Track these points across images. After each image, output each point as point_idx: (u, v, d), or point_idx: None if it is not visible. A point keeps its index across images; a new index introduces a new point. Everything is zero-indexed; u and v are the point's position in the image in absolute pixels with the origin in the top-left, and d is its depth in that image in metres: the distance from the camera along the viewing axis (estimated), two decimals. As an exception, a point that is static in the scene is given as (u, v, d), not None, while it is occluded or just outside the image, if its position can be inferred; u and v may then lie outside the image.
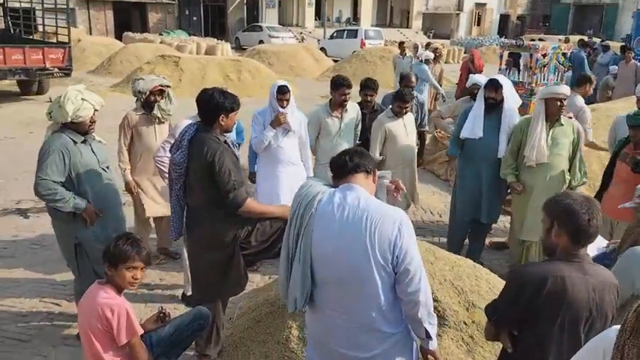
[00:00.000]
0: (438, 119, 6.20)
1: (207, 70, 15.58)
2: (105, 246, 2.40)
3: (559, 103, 4.54)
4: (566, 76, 12.03)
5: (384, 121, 5.12)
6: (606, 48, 14.01)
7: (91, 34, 28.70)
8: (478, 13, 46.27)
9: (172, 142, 4.14)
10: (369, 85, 5.36)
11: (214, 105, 3.24)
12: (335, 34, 26.57)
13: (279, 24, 33.69)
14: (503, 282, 3.80)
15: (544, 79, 11.34)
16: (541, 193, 4.66)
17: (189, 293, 4.47)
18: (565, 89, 4.61)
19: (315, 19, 38.08)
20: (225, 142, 3.31)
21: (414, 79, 5.78)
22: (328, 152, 4.99)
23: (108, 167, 3.78)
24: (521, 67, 11.43)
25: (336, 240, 2.22)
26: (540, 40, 18.43)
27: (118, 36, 27.52)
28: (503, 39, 35.86)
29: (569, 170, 4.72)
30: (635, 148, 4.23)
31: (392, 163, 5.10)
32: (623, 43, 17.56)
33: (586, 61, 12.31)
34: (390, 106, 5.22)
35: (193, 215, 3.38)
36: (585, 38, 17.57)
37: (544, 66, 11.32)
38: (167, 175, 4.17)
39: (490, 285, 3.66)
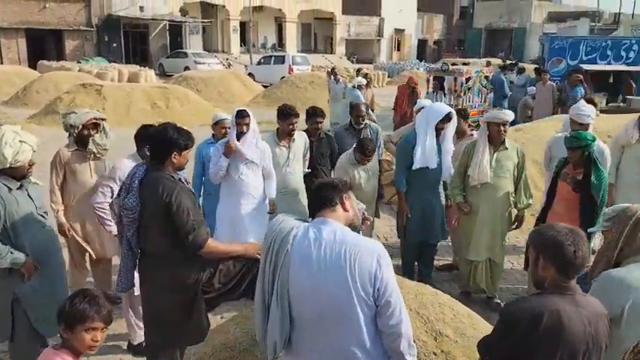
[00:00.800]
0: (388, 144, 6.24)
1: (133, 98, 15.02)
2: (59, 305, 2.13)
3: (499, 127, 4.67)
4: (489, 97, 12.62)
5: (347, 168, 5.02)
6: (522, 70, 14.84)
7: (2, 63, 27.10)
8: (397, 39, 48.05)
9: (112, 185, 3.87)
10: (316, 113, 5.31)
11: (168, 141, 3.04)
12: (262, 60, 26.62)
13: (204, 50, 33.32)
14: (465, 307, 3.84)
15: (469, 102, 11.84)
16: (486, 214, 4.80)
17: (136, 342, 4.15)
18: (507, 115, 4.74)
19: (241, 45, 38.03)
20: (180, 180, 3.12)
21: (363, 108, 5.77)
22: (277, 182, 4.91)
23: (46, 212, 3.45)
24: (446, 91, 11.85)
25: (314, 276, 2.16)
26: (464, 64, 19.29)
27: (32, 65, 26.11)
28: (423, 63, 37.46)
29: (515, 193, 4.84)
30: (574, 169, 4.40)
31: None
32: (536, 65, 18.74)
33: (506, 83, 12.94)
34: (353, 153, 5.06)
35: (150, 261, 3.14)
36: (501, 61, 18.56)
37: (468, 89, 11.83)
38: (109, 223, 3.88)
39: (454, 312, 3.63)
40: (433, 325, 3.47)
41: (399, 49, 48.34)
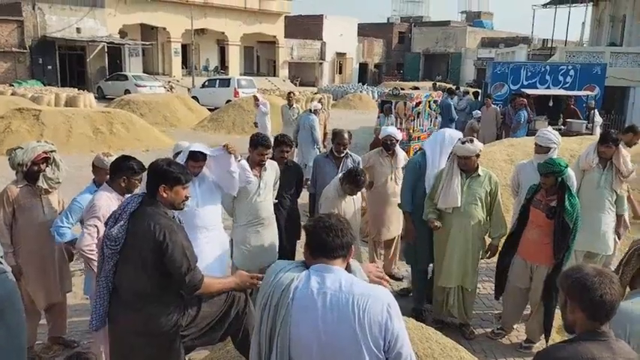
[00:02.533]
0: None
1: (74, 123, 14.31)
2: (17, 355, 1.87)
3: (468, 160, 4.66)
4: (437, 121, 12.90)
5: (334, 200, 4.81)
6: (465, 94, 15.34)
7: None
8: (339, 62, 48.84)
9: (97, 224, 3.60)
10: (284, 142, 5.17)
11: (155, 174, 2.86)
12: (207, 83, 26.24)
13: (144, 73, 32.53)
14: (449, 339, 3.77)
15: (420, 126, 12.05)
16: (457, 241, 4.76)
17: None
18: (477, 147, 4.71)
19: (183, 68, 37.45)
20: (173, 217, 2.90)
21: (346, 136, 5.62)
22: (247, 213, 4.72)
23: (2, 256, 3.12)
24: (394, 114, 12.00)
25: (320, 330, 2.00)
26: (415, 88, 19.74)
27: (-41, 88, 24.57)
28: (365, 86, 38.17)
29: (489, 220, 4.85)
30: (547, 195, 4.46)
31: None
32: (475, 89, 19.46)
33: (452, 107, 13.29)
34: (340, 184, 4.85)
35: (124, 299, 2.89)
36: (447, 85, 19.08)
37: (418, 113, 12.04)
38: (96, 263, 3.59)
39: (441, 346, 3.54)
40: (423, 362, 3.37)
41: (340, 72, 49.11)
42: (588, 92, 13.54)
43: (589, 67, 14.62)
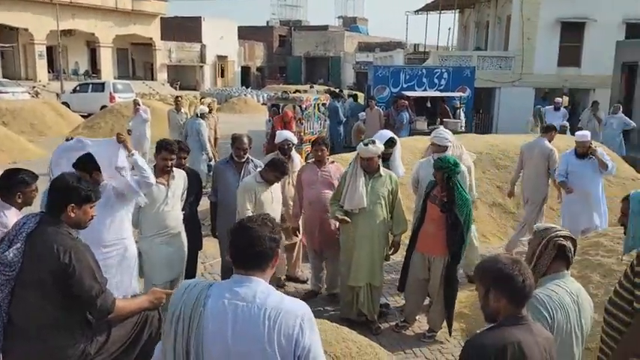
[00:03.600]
0: None
1: None
2: None
3: (370, 160, 4.81)
4: (327, 124, 13.16)
5: (252, 185, 4.82)
6: (352, 97, 15.80)
7: None
8: (221, 65, 48.08)
9: None
10: (182, 148, 4.98)
11: (63, 191, 2.59)
12: (78, 88, 24.46)
13: (4, 78, 29.59)
14: (363, 337, 3.84)
15: (310, 129, 12.21)
16: (365, 240, 4.88)
17: None
18: (378, 149, 4.88)
19: (49, 72, 34.62)
20: (77, 237, 2.62)
21: (246, 140, 5.49)
22: (154, 224, 4.48)
23: None
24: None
25: (229, 342, 1.95)
26: (304, 91, 19.92)
27: None
28: (250, 89, 37.98)
29: (392, 218, 5.01)
30: (442, 190, 4.70)
31: None
32: (355, 92, 20.17)
33: (340, 110, 13.60)
34: (259, 170, 4.95)
35: (22, 331, 2.56)
36: (334, 89, 19.52)
37: (308, 116, 12.20)
38: None
39: (357, 344, 3.60)
40: (341, 362, 3.40)
41: (222, 76, 48.38)
42: (461, 93, 14.58)
43: (460, 70, 15.74)
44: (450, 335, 4.97)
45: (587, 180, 6.53)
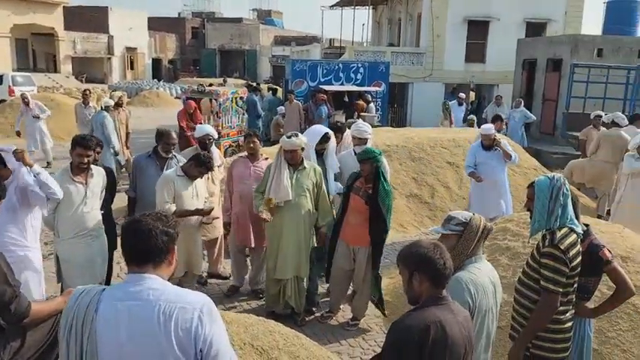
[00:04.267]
0: None
1: None
2: None
3: (293, 153, 4.85)
4: (245, 118, 13.03)
5: (172, 178, 4.71)
6: (272, 91, 15.74)
7: None
8: (130, 57, 46.12)
9: None
10: (97, 143, 4.73)
11: None
12: (-29, 81, 22.57)
13: None
14: (290, 329, 3.86)
15: (228, 123, 12.04)
16: (291, 233, 4.91)
17: None
18: (301, 141, 4.92)
19: (-64, 63, 31.65)
20: None
21: (175, 135, 5.35)
22: (73, 225, 4.27)
23: None
24: (203, 111, 11.82)
25: (124, 345, 1.90)
26: (218, 85, 19.51)
27: None
28: (162, 82, 36.75)
29: (317, 210, 5.06)
30: (365, 182, 4.81)
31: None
32: (275, 86, 20.12)
33: (258, 104, 13.53)
34: (181, 165, 4.87)
35: None
36: (253, 84, 19.32)
37: (226, 110, 12.01)
38: None
39: (284, 336, 3.62)
40: (269, 355, 3.42)
41: (132, 68, 46.43)
42: (377, 88, 14.97)
43: (375, 65, 16.15)
44: (385, 316, 5.14)
45: (494, 170, 6.93)
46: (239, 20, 55.05)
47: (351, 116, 13.45)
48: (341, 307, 5.37)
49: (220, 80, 32.15)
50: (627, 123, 8.77)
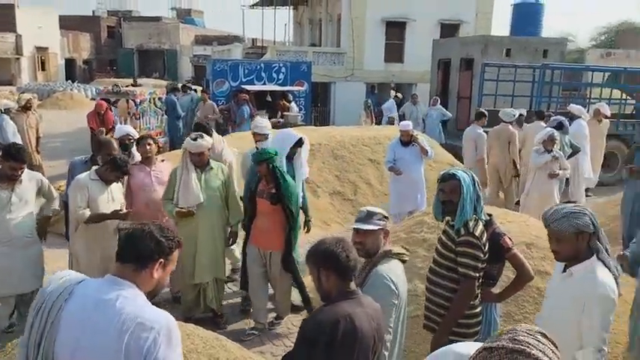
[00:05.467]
0: None
1: None
2: None
3: (199, 155, 4.78)
4: (164, 119, 12.69)
5: (85, 182, 4.48)
6: (190, 90, 15.37)
7: None
8: (41, 58, 43.63)
9: None
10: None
11: None
12: None
13: None
14: (209, 332, 3.81)
15: (147, 124, 11.70)
16: (205, 234, 4.85)
17: None
18: (208, 142, 4.84)
19: None
20: None
21: (115, 146, 5.06)
22: None
23: None
24: (119, 113, 11.44)
25: (80, 342, 1.88)
26: (132, 85, 18.81)
27: None
28: (76, 83, 35.05)
29: (228, 210, 5.01)
30: (267, 183, 4.73)
31: (90, 235, 4.48)
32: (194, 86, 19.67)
33: (177, 104, 13.20)
34: (96, 169, 4.63)
35: None
36: (177, 84, 18.78)
37: (144, 111, 11.67)
38: None
39: (203, 339, 3.57)
40: (187, 359, 3.35)
41: (44, 69, 43.94)
42: (299, 87, 15.04)
43: (297, 64, 16.21)
44: (310, 312, 5.14)
45: (412, 165, 7.19)
46: (157, 19, 53.45)
47: (274, 116, 13.44)
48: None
49: (143, 80, 31.07)
50: (513, 119, 9.22)
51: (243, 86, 14.16)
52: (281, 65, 15.42)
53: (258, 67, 15.15)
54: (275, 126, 12.68)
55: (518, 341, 1.34)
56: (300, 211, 5.20)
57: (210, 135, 5.43)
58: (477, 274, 3.15)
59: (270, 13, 27.25)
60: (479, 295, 3.29)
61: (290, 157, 5.29)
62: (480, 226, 3.19)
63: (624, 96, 14.29)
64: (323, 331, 2.11)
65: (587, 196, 10.35)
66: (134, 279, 1.97)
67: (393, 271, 2.73)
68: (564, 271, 2.78)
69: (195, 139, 4.74)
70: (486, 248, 3.18)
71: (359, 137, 10.31)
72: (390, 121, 13.76)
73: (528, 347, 1.33)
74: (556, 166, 7.15)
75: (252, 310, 5.19)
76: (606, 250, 2.71)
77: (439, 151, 10.78)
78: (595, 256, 2.68)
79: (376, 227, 2.82)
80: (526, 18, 18.63)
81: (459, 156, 11.60)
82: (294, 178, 5.14)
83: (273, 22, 28.66)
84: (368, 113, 14.32)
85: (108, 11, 55.67)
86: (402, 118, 13.59)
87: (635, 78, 15.15)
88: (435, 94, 16.66)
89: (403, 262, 2.90)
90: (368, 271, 2.74)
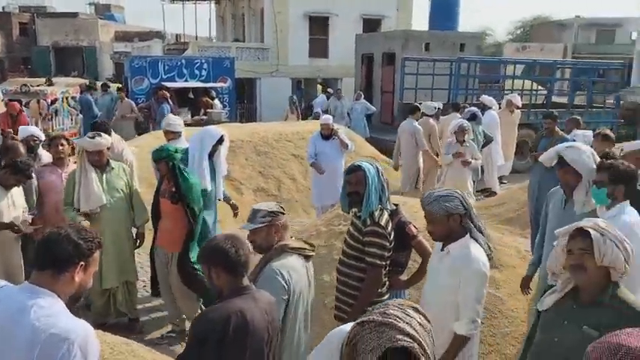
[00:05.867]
0: None
1: None
2: None
3: (96, 155, 4.60)
4: (79, 119, 12.16)
5: None
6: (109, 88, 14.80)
7: None
8: (-55, 56, 40.65)
9: None
10: None
11: None
12: None
13: None
14: (119, 337, 3.68)
15: (60, 125, 11.15)
16: (111, 238, 4.66)
17: None
18: (107, 140, 4.68)
19: None
20: None
21: (22, 150, 4.77)
22: None
23: None
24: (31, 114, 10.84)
25: None
26: (50, 84, 17.83)
27: None
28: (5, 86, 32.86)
29: (133, 210, 4.86)
30: (168, 182, 4.56)
31: None
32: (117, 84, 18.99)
33: (93, 103, 12.66)
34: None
35: None
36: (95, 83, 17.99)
37: (56, 111, 11.12)
38: None
39: (110, 345, 3.46)
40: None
41: (-51, 69, 40.97)
42: (222, 84, 14.82)
43: (220, 60, 15.98)
44: None
45: (332, 158, 7.26)
46: (74, 15, 50.93)
47: (197, 113, 13.18)
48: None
49: (60, 79, 29.49)
50: (434, 112, 9.55)
51: (163, 83, 13.78)
52: (203, 61, 15.15)
53: (179, 63, 14.81)
54: (198, 123, 12.47)
55: (387, 314, 1.40)
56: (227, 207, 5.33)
57: (110, 134, 5.25)
58: (384, 263, 3.22)
59: (191, 7, 26.69)
60: (386, 283, 3.37)
61: (211, 155, 5.21)
62: (386, 216, 3.26)
63: (538, 87, 15.09)
64: (213, 328, 2.09)
65: (501, 183, 10.86)
66: (53, 286, 1.88)
67: (286, 266, 2.72)
68: (442, 249, 2.95)
69: (93, 137, 4.56)
70: (392, 237, 3.26)
71: (282, 133, 10.29)
72: (316, 116, 13.84)
73: (396, 320, 1.38)
74: (468, 155, 7.44)
75: (167, 313, 5.06)
76: (479, 229, 2.89)
77: (362, 144, 10.97)
78: (468, 234, 2.86)
79: (259, 225, 2.80)
80: (443, 12, 19.21)
81: (383, 150, 11.86)
82: (214, 175, 5.10)
83: (194, 17, 27.99)
84: (293, 109, 14.33)
85: (20, 7, 52.52)
86: (327, 113, 13.71)
87: (547, 70, 16.04)
88: (359, 89, 16.91)
89: (307, 257, 2.90)
90: (262, 267, 2.73)
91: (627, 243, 2.07)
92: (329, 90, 15.13)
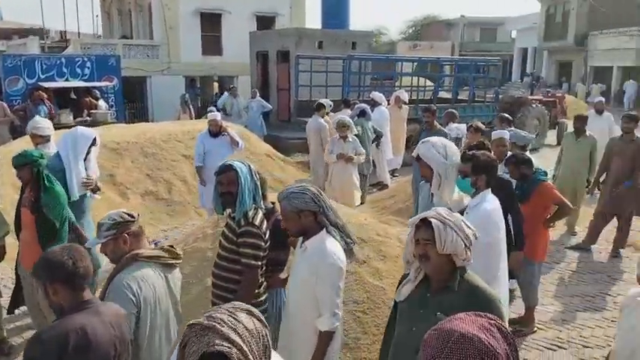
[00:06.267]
0: None
1: None
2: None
3: None
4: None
5: None
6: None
7: None
8: None
9: None
10: None
11: None
12: None
13: None
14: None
15: None
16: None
17: None
18: None
19: None
20: None
21: None
22: None
23: None
24: None
25: None
26: None
27: None
28: None
29: None
30: (31, 190, 4.14)
31: None
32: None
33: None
34: None
35: None
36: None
37: None
38: None
39: None
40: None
41: None
42: (107, 83, 14.04)
43: (104, 58, 15.13)
44: None
45: (222, 156, 7.08)
46: (-60, 9, 46.19)
47: (79, 114, 12.40)
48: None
49: None
50: (329, 109, 9.76)
51: (41, 83, 12.81)
52: (85, 60, 14.26)
53: (59, 62, 13.83)
54: (82, 125, 11.72)
55: (212, 318, 1.36)
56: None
57: None
58: (259, 263, 3.16)
59: (72, 2, 25.07)
60: (264, 283, 3.31)
61: (85, 157, 4.97)
62: (260, 215, 3.20)
63: (426, 83, 15.77)
64: (46, 350, 1.91)
65: (394, 176, 11.23)
66: None
67: (136, 277, 2.56)
68: (301, 246, 2.96)
69: None
70: (267, 236, 3.20)
71: (172, 133, 9.94)
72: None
73: (219, 324, 1.34)
74: (351, 150, 7.54)
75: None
76: (335, 225, 2.90)
77: (257, 143, 10.86)
78: (324, 230, 2.86)
79: (103, 240, 2.64)
80: (333, 11, 19.51)
81: (279, 147, 11.82)
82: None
83: (75, 12, 26.32)
84: (185, 108, 13.89)
85: None
86: (224, 111, 13.44)
87: (436, 67, 16.79)
88: (255, 87, 16.75)
89: (167, 265, 2.76)
90: (110, 279, 2.56)
91: (470, 229, 2.16)
92: (232, 87, 14.85)
